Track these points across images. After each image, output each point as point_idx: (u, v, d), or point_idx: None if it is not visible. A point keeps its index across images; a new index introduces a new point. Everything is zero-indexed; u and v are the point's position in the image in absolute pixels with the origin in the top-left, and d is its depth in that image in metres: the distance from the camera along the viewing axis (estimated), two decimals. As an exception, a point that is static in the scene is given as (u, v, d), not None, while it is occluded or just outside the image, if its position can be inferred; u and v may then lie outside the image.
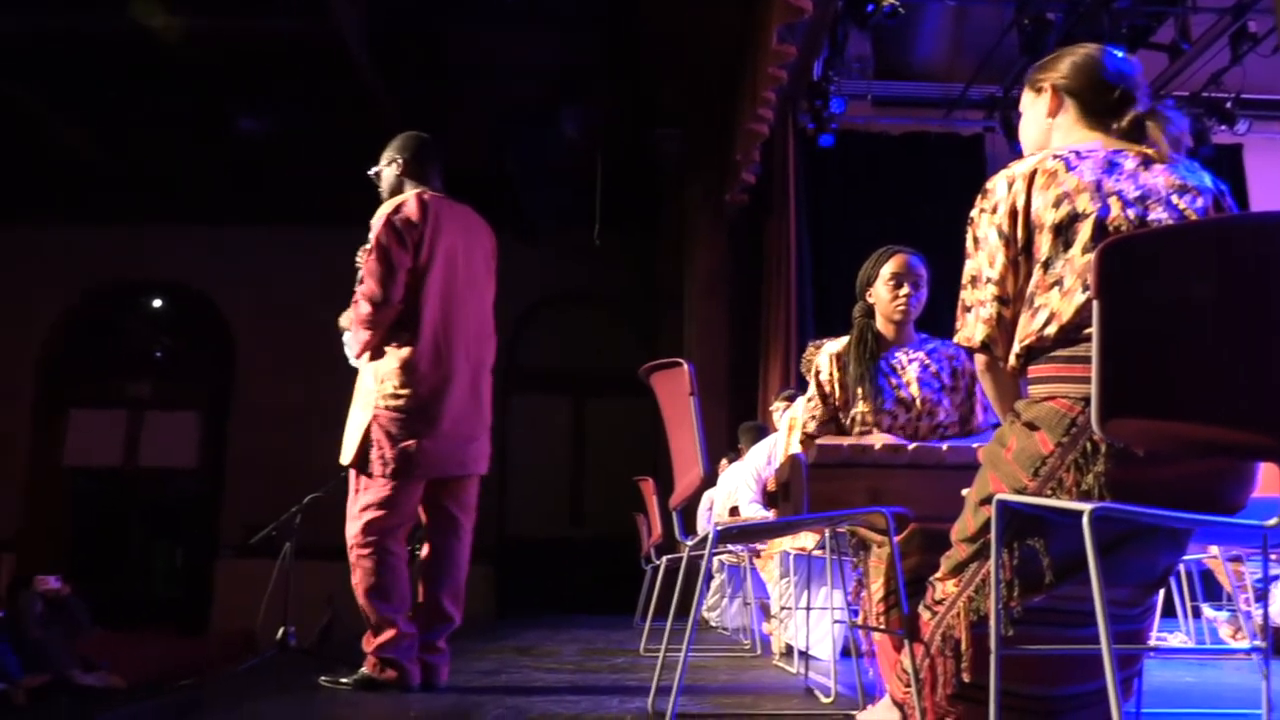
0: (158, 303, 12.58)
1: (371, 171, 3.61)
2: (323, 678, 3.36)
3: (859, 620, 2.74)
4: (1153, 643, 2.24)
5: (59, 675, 6.71)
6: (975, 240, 1.98)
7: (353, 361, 3.51)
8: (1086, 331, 1.73)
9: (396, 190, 3.51)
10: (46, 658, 6.77)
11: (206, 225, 11.82)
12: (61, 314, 12.30)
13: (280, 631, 4.85)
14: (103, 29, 8.57)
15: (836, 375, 2.95)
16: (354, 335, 3.39)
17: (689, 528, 3.04)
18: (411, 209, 3.36)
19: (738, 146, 8.15)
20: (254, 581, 5.97)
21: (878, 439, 2.71)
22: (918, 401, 2.86)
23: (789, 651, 4.39)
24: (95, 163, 11.10)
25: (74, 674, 6.88)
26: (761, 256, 8.84)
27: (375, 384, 3.33)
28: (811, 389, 3.03)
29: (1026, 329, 1.86)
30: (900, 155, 8.62)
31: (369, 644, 3.27)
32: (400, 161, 3.53)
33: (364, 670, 3.26)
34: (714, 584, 6.78)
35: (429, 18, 9.18)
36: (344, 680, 3.29)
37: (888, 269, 2.96)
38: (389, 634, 3.23)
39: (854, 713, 2.78)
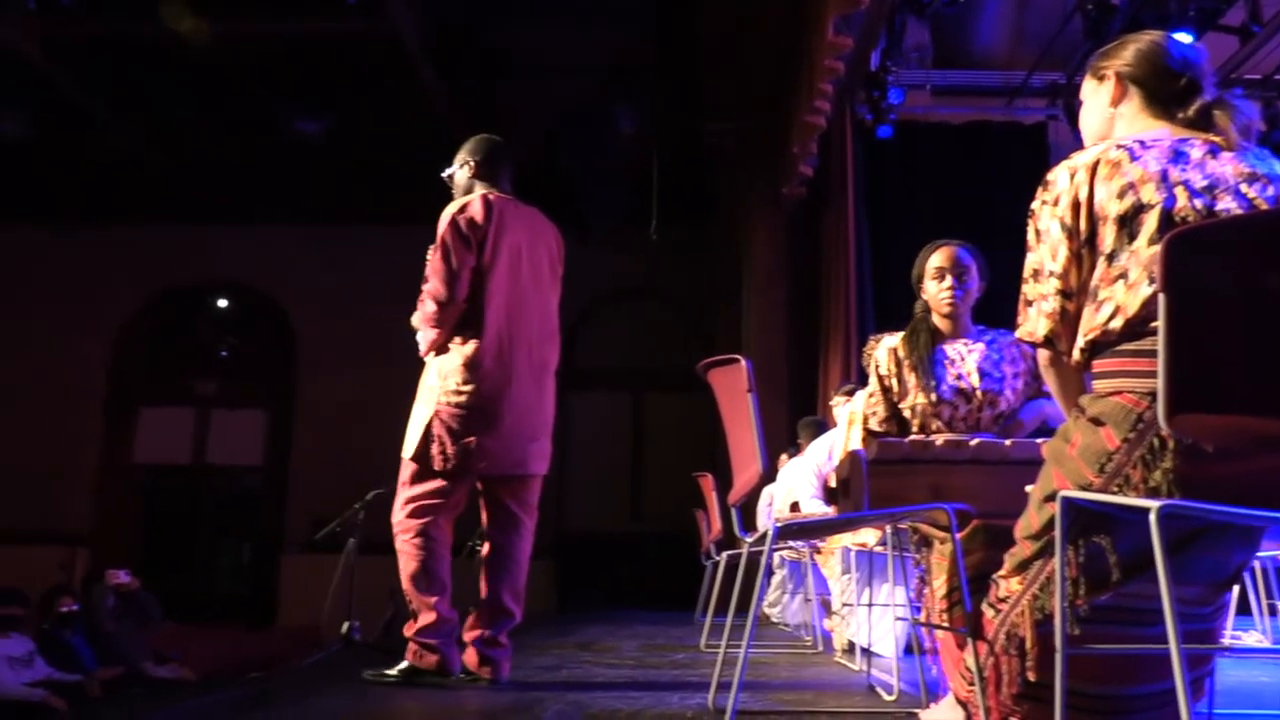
0: (223, 303, 12.84)
1: (445, 174, 3.68)
2: (367, 672, 3.39)
3: (922, 617, 2.71)
4: (1225, 642, 2.19)
5: (132, 667, 6.90)
6: (1037, 233, 1.95)
7: (422, 356, 3.57)
8: (1152, 325, 1.69)
9: (467, 191, 3.56)
10: (119, 650, 6.96)
11: (268, 226, 12.06)
12: (131, 315, 12.62)
13: (345, 626, 4.94)
14: (164, 36, 8.76)
15: (894, 370, 2.93)
16: (422, 333, 3.45)
17: (748, 524, 3.03)
18: (476, 209, 3.40)
19: (794, 139, 8.09)
20: (319, 576, 6.08)
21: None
22: (978, 392, 2.82)
23: (851, 648, 4.36)
24: (160, 167, 11.38)
25: (146, 666, 7.07)
26: (820, 250, 8.77)
27: (438, 380, 3.37)
28: (872, 384, 3.00)
29: (1090, 323, 1.82)
30: (961, 145, 8.48)
31: (410, 630, 3.32)
32: (472, 164, 3.59)
33: (406, 660, 3.30)
34: (775, 580, 6.75)
35: (484, 17, 9.26)
36: (388, 673, 3.31)
37: (933, 262, 2.94)
38: (430, 618, 3.27)
39: (917, 711, 2.75)
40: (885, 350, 2.99)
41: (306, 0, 8.75)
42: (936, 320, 2.96)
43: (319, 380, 11.84)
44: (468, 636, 3.39)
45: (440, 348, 3.42)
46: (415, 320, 3.49)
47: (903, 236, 7.86)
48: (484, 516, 3.51)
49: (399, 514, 3.36)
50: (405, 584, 3.31)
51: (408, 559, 3.31)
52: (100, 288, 12.37)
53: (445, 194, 3.64)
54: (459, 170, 3.63)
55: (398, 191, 3.49)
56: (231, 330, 12.86)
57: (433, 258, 3.39)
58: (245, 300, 12.73)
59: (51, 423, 12.07)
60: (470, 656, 3.37)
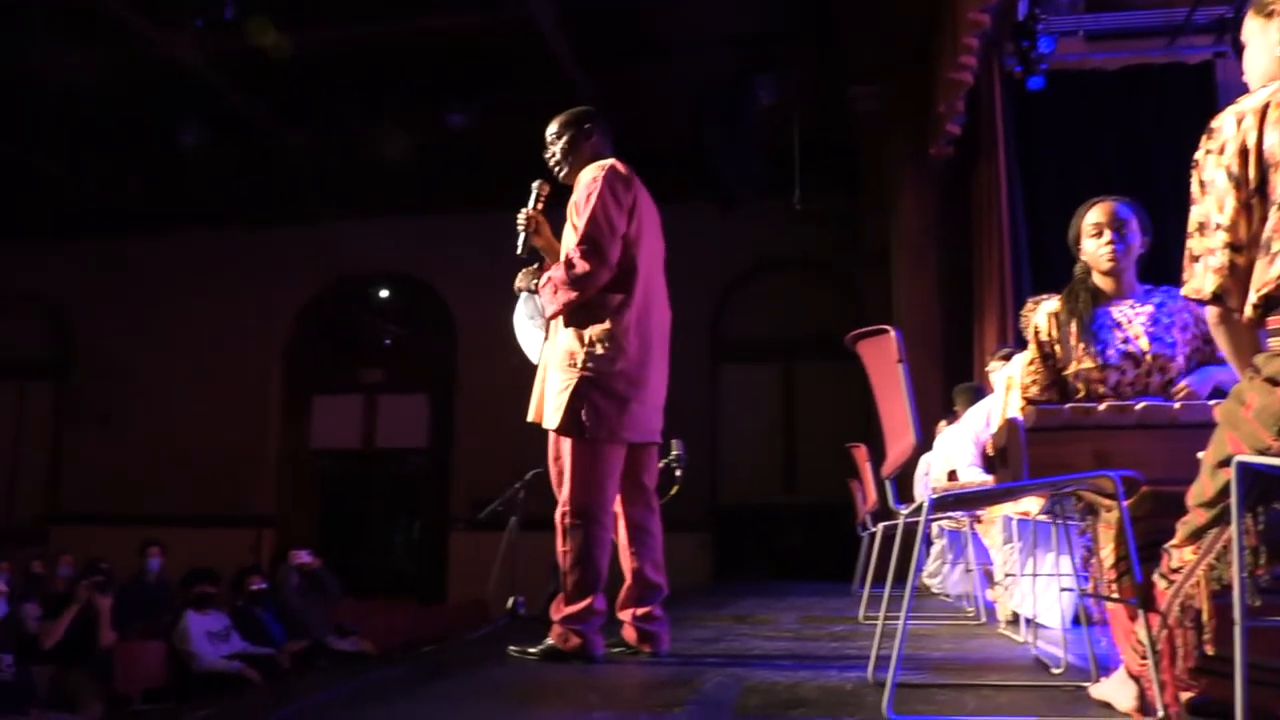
0: (384, 293, 13.34)
1: (549, 146, 3.56)
2: (511, 648, 3.41)
3: (1089, 588, 2.62)
4: None
5: (316, 641, 7.30)
6: (1201, 184, 1.85)
7: (537, 323, 3.57)
8: (1332, 277, 1.59)
9: (588, 158, 3.48)
10: (305, 625, 7.38)
11: (424, 216, 12.47)
12: (301, 309, 13.29)
13: (510, 601, 5.10)
14: (321, 43, 9.15)
15: (1055, 334, 2.81)
16: (554, 295, 3.33)
17: (903, 495, 2.97)
18: (622, 173, 3.36)
19: (940, 98, 7.84)
20: (484, 553, 6.29)
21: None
22: (1147, 356, 2.69)
23: (1015, 620, 4.25)
24: (322, 166, 11.90)
25: (329, 640, 7.48)
26: (970, 211, 8.49)
27: (580, 346, 3.29)
28: (1031, 349, 2.90)
29: (1264, 277, 1.72)
30: (1119, 92, 8.03)
31: (557, 612, 3.30)
32: (587, 129, 3.52)
33: (550, 641, 3.29)
34: (934, 550, 6.62)
35: (619, -5, 9.32)
36: (531, 651, 3.33)
37: (1090, 219, 2.81)
38: (582, 605, 3.25)
39: (1086, 685, 2.67)
40: (1045, 314, 2.87)
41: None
42: (1098, 280, 2.83)
43: (478, 364, 12.19)
44: (622, 615, 3.43)
45: (575, 314, 3.32)
46: (530, 283, 3.45)
47: (1059, 193, 7.53)
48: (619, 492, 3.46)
49: (567, 493, 3.30)
50: (564, 565, 3.28)
51: (574, 544, 3.26)
52: (272, 285, 13.08)
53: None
54: (576, 133, 3.51)
55: (544, 175, 3.55)
56: (394, 319, 13.37)
57: (584, 220, 3.28)
58: (406, 289, 13.21)
59: (236, 414, 12.88)
60: (629, 632, 3.43)
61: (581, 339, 3.30)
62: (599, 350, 3.27)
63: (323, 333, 13.49)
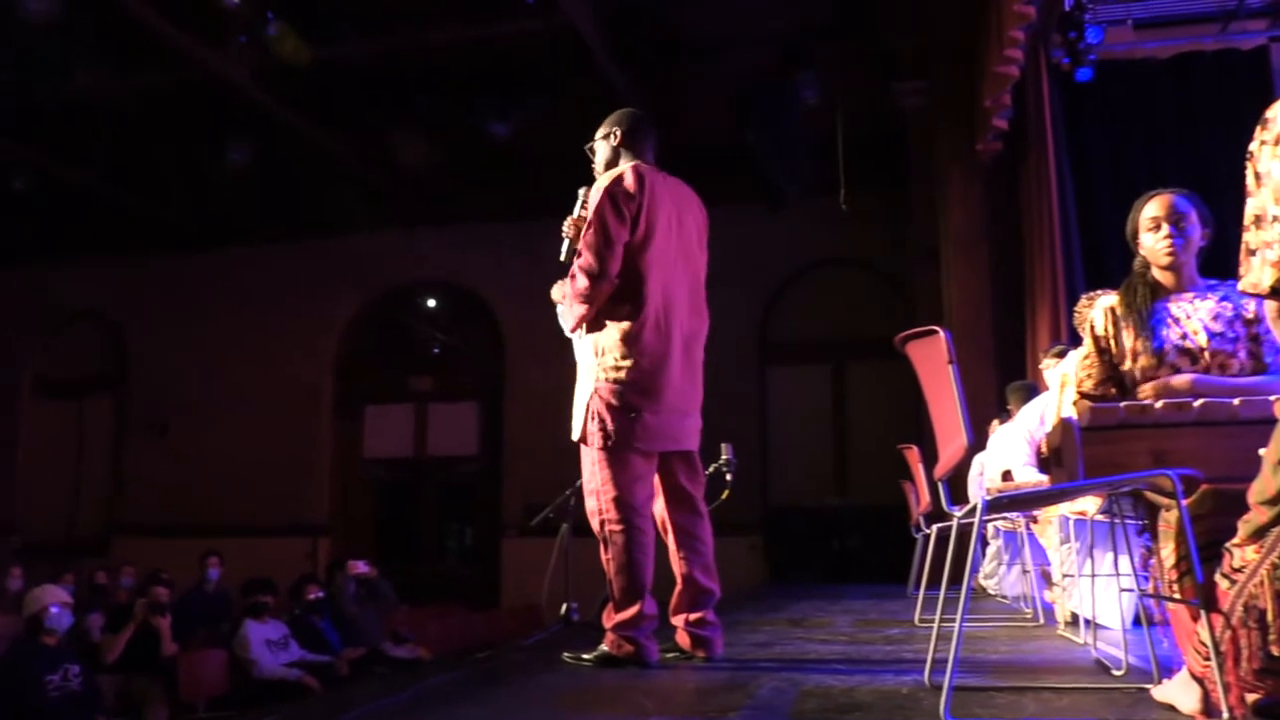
0: (432, 302, 13.46)
1: (588, 147, 3.65)
2: (565, 654, 3.43)
3: (1149, 588, 2.58)
4: None
5: (373, 648, 7.39)
6: (1256, 176, 1.81)
7: (568, 333, 3.59)
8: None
9: (612, 163, 3.53)
10: (361, 632, 7.46)
11: (469, 225, 12.58)
12: (351, 318, 13.47)
13: (564, 607, 5.11)
14: (365, 56, 9.27)
15: (1111, 330, 2.76)
16: (569, 308, 3.41)
17: (957, 497, 2.94)
18: (630, 181, 3.36)
19: (986, 92, 7.76)
20: (537, 559, 6.31)
21: (1181, 379, 2.51)
22: (1206, 353, 2.62)
23: (1074, 620, 4.19)
24: (368, 177, 12.05)
25: (386, 646, 7.56)
26: (1020, 206, 8.39)
27: (595, 357, 3.35)
28: (1086, 346, 2.85)
29: (1324, 269, 1.69)
30: (1170, 81, 7.90)
31: (609, 620, 3.32)
32: (617, 134, 3.55)
33: (603, 647, 3.32)
34: (990, 551, 6.54)
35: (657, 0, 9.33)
36: (585, 657, 3.34)
37: (1147, 212, 2.75)
38: (631, 612, 3.26)
39: (1148, 687, 2.62)
40: (1101, 310, 2.82)
41: (487, 7, 9.06)
42: (1157, 274, 2.77)
43: (527, 370, 12.25)
44: (675, 620, 3.43)
45: (594, 324, 3.38)
46: (560, 295, 3.47)
47: (1111, 186, 7.42)
48: (661, 498, 3.48)
49: (599, 502, 3.32)
50: (611, 574, 3.30)
51: (616, 550, 3.27)
52: (322, 297, 13.27)
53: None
54: (601, 141, 3.58)
55: (586, 181, 3.56)
56: (442, 327, 13.48)
57: (586, 233, 3.33)
58: (453, 298, 13.32)
59: (290, 425, 13.08)
60: (682, 637, 3.42)
61: (596, 350, 3.37)
62: (608, 361, 3.32)
63: (372, 343, 13.65)
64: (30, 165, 11.63)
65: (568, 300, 3.41)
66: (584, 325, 3.42)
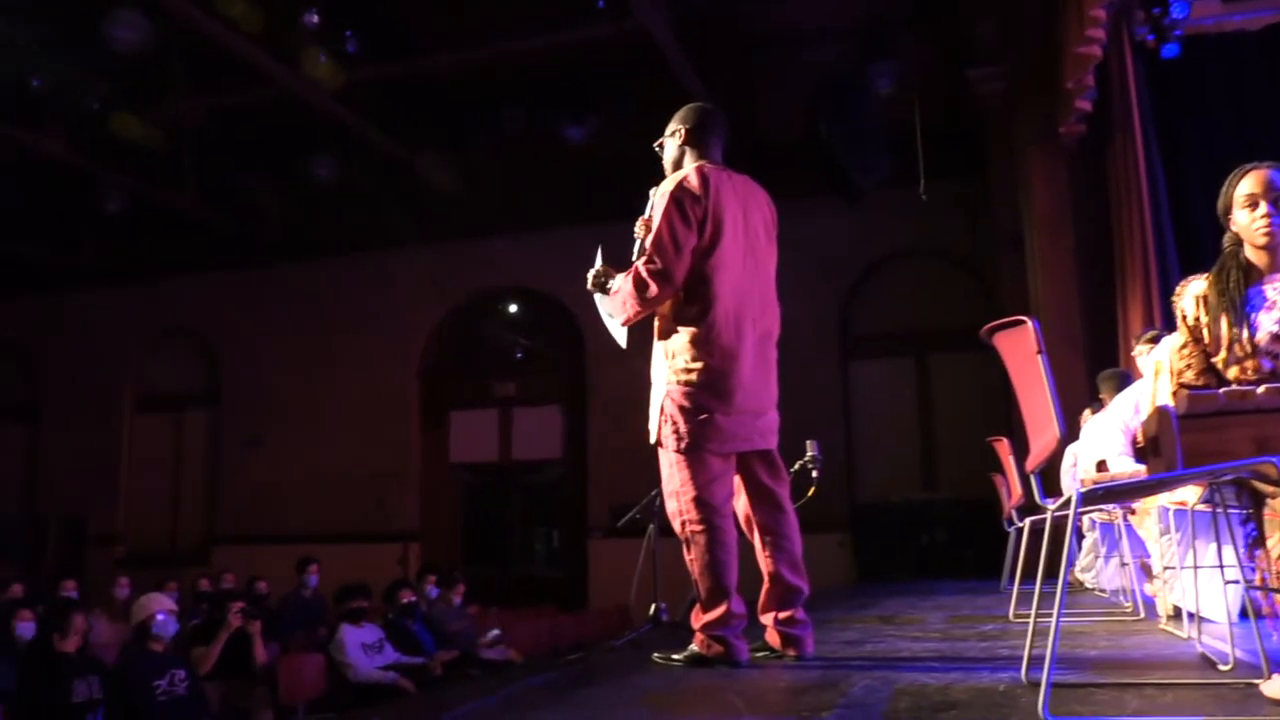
0: (513, 307, 13.61)
1: (656, 144, 3.65)
2: (655, 655, 3.44)
3: (1255, 579, 2.49)
4: None
5: (465, 650, 7.49)
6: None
7: (621, 343, 3.57)
8: None
9: (678, 161, 3.52)
10: (452, 636, 7.58)
11: (546, 230, 12.68)
12: (434, 326, 13.70)
13: (652, 608, 5.13)
14: (438, 70, 9.42)
15: (1205, 318, 2.67)
16: (621, 306, 3.40)
17: (1050, 489, 2.87)
18: (693, 183, 3.34)
19: (1068, 73, 7.57)
20: (624, 560, 6.34)
21: None
22: (1305, 339, 2.53)
23: (1177, 614, 4.07)
24: (448, 188, 12.24)
25: (478, 649, 7.66)
26: (1108, 189, 8.17)
27: (667, 360, 3.36)
28: (1180, 332, 2.77)
29: None
30: (1261, 54, 7.61)
31: (697, 620, 3.32)
32: (682, 132, 3.54)
33: (693, 647, 3.32)
34: (1086, 543, 6.39)
35: (729, -3, 9.32)
36: (675, 657, 3.35)
37: (1241, 189, 2.64)
38: (719, 612, 3.26)
39: (1257, 682, 2.53)
40: (1192, 297, 2.74)
41: (559, 15, 9.15)
42: (1250, 254, 2.68)
43: (608, 372, 12.30)
44: (764, 619, 3.41)
45: (665, 327, 3.40)
46: (623, 291, 3.39)
47: (1201, 165, 7.19)
48: (744, 498, 3.46)
49: (679, 503, 3.32)
50: (695, 575, 3.31)
51: (699, 550, 3.27)
52: (405, 306, 13.53)
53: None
54: (669, 140, 3.58)
55: (661, 181, 3.60)
56: (524, 332, 13.62)
57: (653, 237, 3.32)
58: (533, 303, 13.45)
59: (379, 433, 13.37)
60: (772, 636, 3.40)
61: (666, 353, 3.38)
62: (679, 363, 3.33)
63: (456, 350, 13.87)
64: (125, 189, 12.09)
65: (623, 296, 3.40)
66: (656, 331, 3.44)
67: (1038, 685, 2.28)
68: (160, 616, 5.66)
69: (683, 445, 3.29)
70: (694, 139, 3.52)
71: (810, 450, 4.49)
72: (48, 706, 4.98)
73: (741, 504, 3.47)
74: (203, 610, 8.36)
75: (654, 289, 3.31)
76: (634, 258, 3.50)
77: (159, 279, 14.67)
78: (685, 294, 3.35)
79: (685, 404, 3.31)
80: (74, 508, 14.63)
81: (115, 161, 11.23)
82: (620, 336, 3.62)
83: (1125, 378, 5.45)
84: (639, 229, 3.52)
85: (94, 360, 14.83)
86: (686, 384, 3.31)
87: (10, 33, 8.29)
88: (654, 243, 3.32)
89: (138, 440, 15.07)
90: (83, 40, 8.73)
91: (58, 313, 15.12)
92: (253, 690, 6.40)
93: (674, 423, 3.32)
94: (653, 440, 3.42)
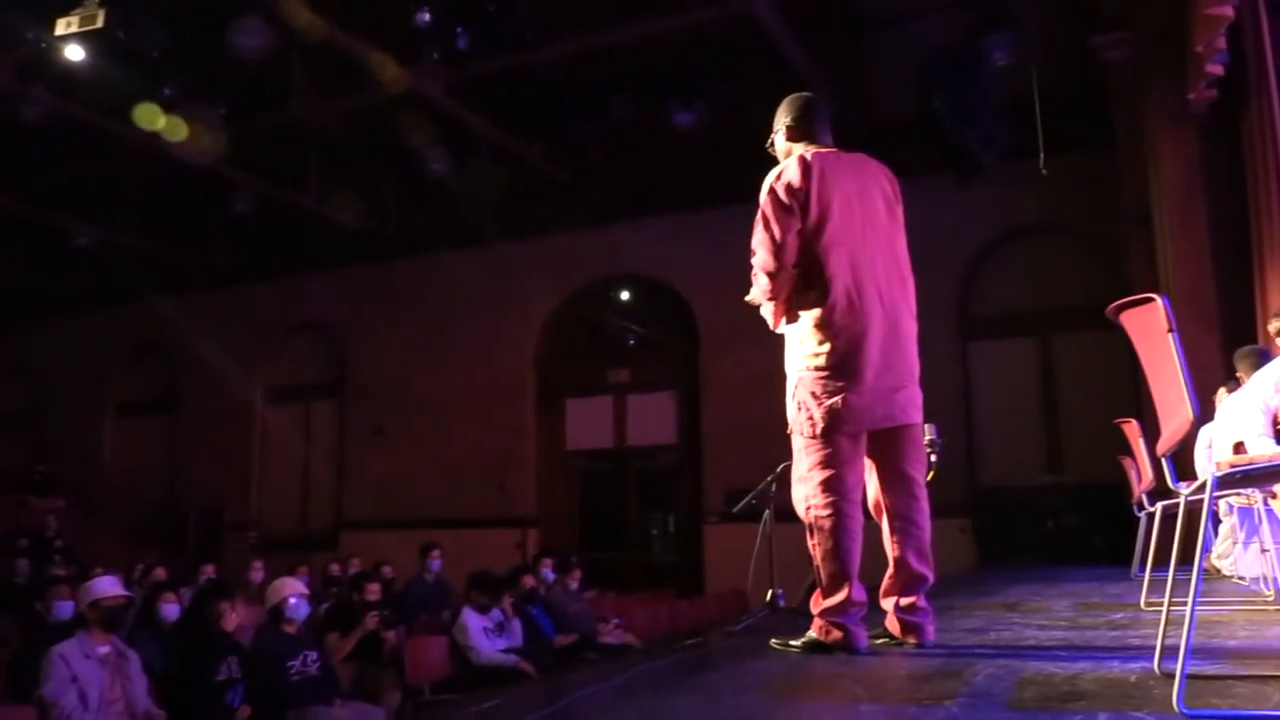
0: (625, 295, 13.70)
1: (768, 144, 3.68)
2: (773, 640, 3.43)
3: None
4: None
5: (585, 635, 7.60)
6: None
7: (776, 330, 3.60)
8: None
9: (787, 155, 3.54)
10: (571, 620, 7.70)
11: (658, 217, 12.73)
12: (548, 315, 13.90)
13: (769, 593, 5.13)
14: (549, 63, 9.52)
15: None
16: (763, 308, 3.50)
17: (1183, 473, 2.76)
18: (792, 172, 3.36)
19: (1198, 36, 7.22)
20: (740, 545, 6.34)
21: None
22: None
23: (1324, 602, 3.87)
24: (560, 178, 12.40)
25: (596, 633, 7.77)
26: (1242, 157, 7.77)
27: (796, 346, 3.38)
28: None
29: None
30: None
31: (816, 605, 3.30)
32: (785, 127, 3.58)
33: (811, 633, 3.30)
34: (1223, 529, 6.12)
35: (838, -25, 9.18)
36: (793, 643, 3.34)
37: None
38: (839, 598, 3.24)
39: None
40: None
41: (665, 1, 9.15)
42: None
43: (721, 358, 12.31)
44: (885, 604, 3.37)
45: (790, 316, 3.42)
46: (753, 296, 3.49)
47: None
48: (875, 480, 3.42)
49: (805, 489, 3.32)
50: (817, 560, 3.30)
51: (823, 536, 3.27)
52: (520, 296, 13.77)
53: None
54: (776, 135, 3.62)
55: (772, 165, 3.55)
56: (637, 320, 13.70)
57: (756, 230, 3.39)
58: (646, 290, 13.51)
59: (496, 420, 13.67)
60: (892, 623, 3.36)
61: (795, 340, 3.41)
62: (806, 349, 3.34)
63: (570, 338, 14.04)
64: (252, 190, 12.58)
65: (755, 288, 3.48)
66: (784, 317, 3.47)
67: (1172, 677, 2.20)
68: (293, 600, 5.88)
69: (816, 430, 3.29)
70: (797, 131, 3.56)
71: (929, 433, 4.43)
72: (194, 684, 5.24)
73: (872, 487, 3.44)
74: (332, 594, 8.68)
75: (767, 282, 3.39)
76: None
77: (285, 276, 15.26)
78: (802, 279, 3.36)
79: (815, 389, 3.31)
80: (211, 496, 15.39)
81: (242, 163, 11.68)
82: (771, 323, 3.65)
83: (1264, 355, 5.20)
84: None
85: (226, 356, 15.50)
86: (815, 369, 3.32)
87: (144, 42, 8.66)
88: (756, 235, 3.40)
89: (269, 431, 15.73)
90: (207, 51, 9.11)
91: (191, 311, 15.85)
92: (382, 673, 6.62)
93: (807, 409, 3.32)
94: (790, 429, 3.42)
